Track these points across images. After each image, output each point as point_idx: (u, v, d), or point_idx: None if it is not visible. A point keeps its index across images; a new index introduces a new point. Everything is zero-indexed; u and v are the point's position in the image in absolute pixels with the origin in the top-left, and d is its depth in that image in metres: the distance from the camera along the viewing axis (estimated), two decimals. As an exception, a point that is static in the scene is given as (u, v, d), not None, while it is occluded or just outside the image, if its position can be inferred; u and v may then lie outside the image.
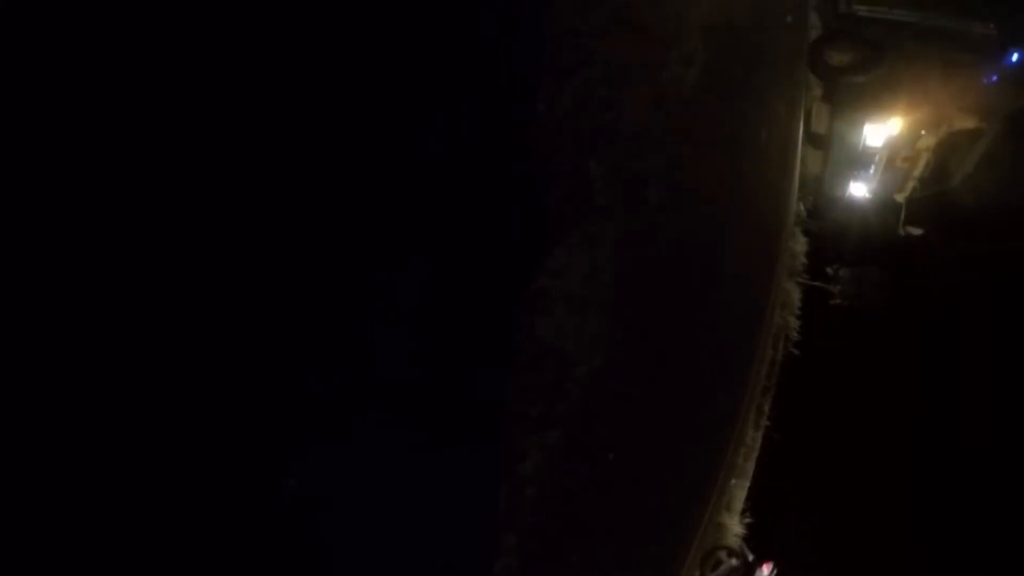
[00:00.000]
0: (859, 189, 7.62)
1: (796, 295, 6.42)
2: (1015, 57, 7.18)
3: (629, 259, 5.95)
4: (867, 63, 7.49)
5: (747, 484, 6.23)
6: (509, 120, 5.52)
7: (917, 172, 7.53)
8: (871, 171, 7.54)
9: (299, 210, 5.52)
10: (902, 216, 7.53)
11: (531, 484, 5.65)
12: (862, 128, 7.52)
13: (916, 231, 7.52)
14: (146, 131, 5.44)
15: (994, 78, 7.10)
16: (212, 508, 5.19)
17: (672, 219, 6.00)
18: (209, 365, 5.29)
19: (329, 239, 5.49)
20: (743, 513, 6.21)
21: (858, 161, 7.53)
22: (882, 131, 7.50)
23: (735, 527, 6.13)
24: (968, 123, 7.24)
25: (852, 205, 7.68)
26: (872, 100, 7.72)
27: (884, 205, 7.61)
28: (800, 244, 6.53)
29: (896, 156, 7.43)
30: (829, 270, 7.44)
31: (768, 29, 6.42)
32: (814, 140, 7.25)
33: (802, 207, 7.22)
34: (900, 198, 7.69)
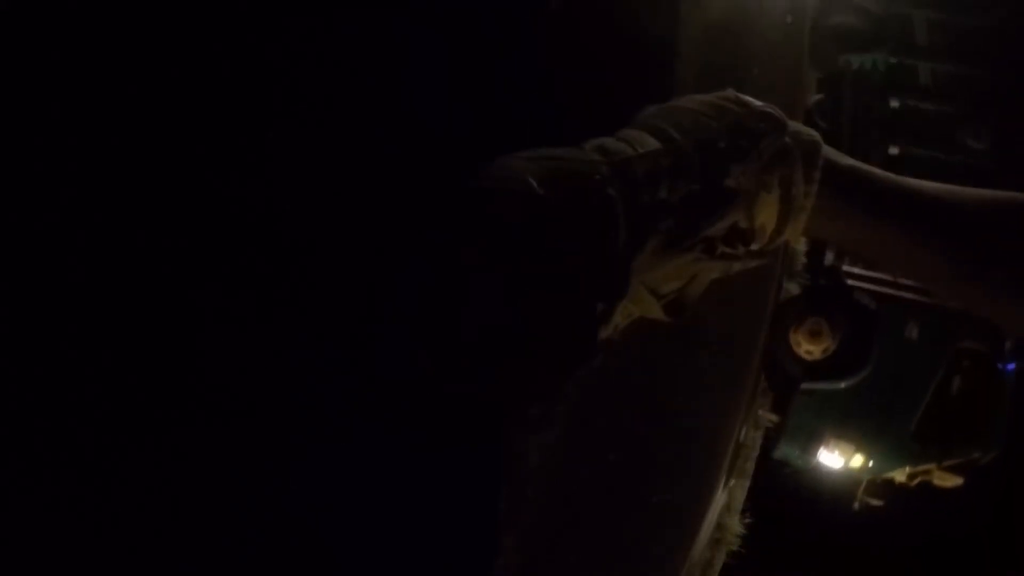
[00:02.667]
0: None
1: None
2: None
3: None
4: (849, 364, 5.75)
5: (747, 484, 6.23)
6: (509, 120, 5.52)
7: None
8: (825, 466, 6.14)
9: (298, 211, 5.52)
10: (862, 487, 6.17)
11: (531, 484, 5.65)
12: (815, 452, 6.05)
13: (876, 502, 6.15)
14: (152, 131, 5.44)
15: (1010, 367, 5.74)
16: (212, 510, 5.19)
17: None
18: (208, 366, 5.29)
19: (327, 240, 5.49)
20: (743, 513, 6.19)
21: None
22: (840, 459, 5.98)
23: (735, 527, 6.13)
24: (970, 451, 5.82)
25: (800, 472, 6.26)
26: (840, 417, 5.87)
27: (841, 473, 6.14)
28: (801, 243, 6.48)
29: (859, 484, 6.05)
30: None
31: (768, 30, 6.41)
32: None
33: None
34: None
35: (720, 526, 5.98)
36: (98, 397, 5.10)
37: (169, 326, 5.38)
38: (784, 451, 6.12)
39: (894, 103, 6.75)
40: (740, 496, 6.16)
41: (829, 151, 1.07)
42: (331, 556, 5.34)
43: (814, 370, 5.70)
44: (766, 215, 1.03)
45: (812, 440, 6.02)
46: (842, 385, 5.73)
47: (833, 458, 5.99)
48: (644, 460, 5.58)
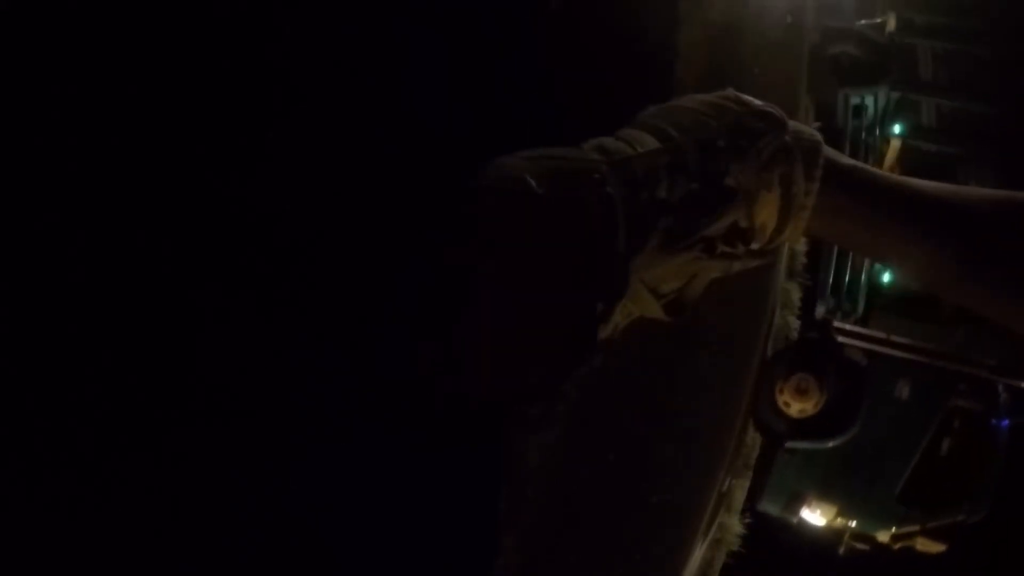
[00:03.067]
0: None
1: (796, 295, 6.40)
2: None
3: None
4: (836, 424, 5.58)
5: (747, 484, 6.22)
6: (509, 120, 5.52)
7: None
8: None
9: (299, 211, 5.52)
10: (847, 533, 6.06)
11: (531, 484, 5.65)
12: (797, 511, 5.97)
13: (862, 547, 6.00)
14: (152, 131, 5.44)
15: (1004, 423, 5.61)
16: (212, 510, 5.20)
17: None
18: (208, 366, 5.28)
19: (328, 240, 5.49)
20: (743, 513, 6.19)
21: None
22: (822, 519, 5.95)
23: (735, 527, 6.13)
24: (956, 513, 5.65)
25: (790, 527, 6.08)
26: (824, 477, 5.74)
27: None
28: (801, 244, 6.46)
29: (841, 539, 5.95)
30: None
31: (768, 30, 6.40)
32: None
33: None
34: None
35: (720, 526, 5.98)
36: (98, 397, 5.10)
37: (169, 326, 5.38)
38: (766, 507, 6.04)
39: (895, 143, 6.57)
40: (740, 496, 6.16)
41: (829, 151, 1.06)
42: (331, 556, 5.34)
43: (799, 428, 5.52)
44: (766, 214, 1.03)
45: (794, 499, 5.87)
46: (828, 445, 5.55)
47: (815, 517, 5.85)
48: (644, 460, 5.58)
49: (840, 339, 5.82)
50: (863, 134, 6.69)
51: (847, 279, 6.19)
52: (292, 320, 5.45)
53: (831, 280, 6.11)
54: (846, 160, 1.04)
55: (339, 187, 5.51)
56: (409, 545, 5.38)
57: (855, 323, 6.06)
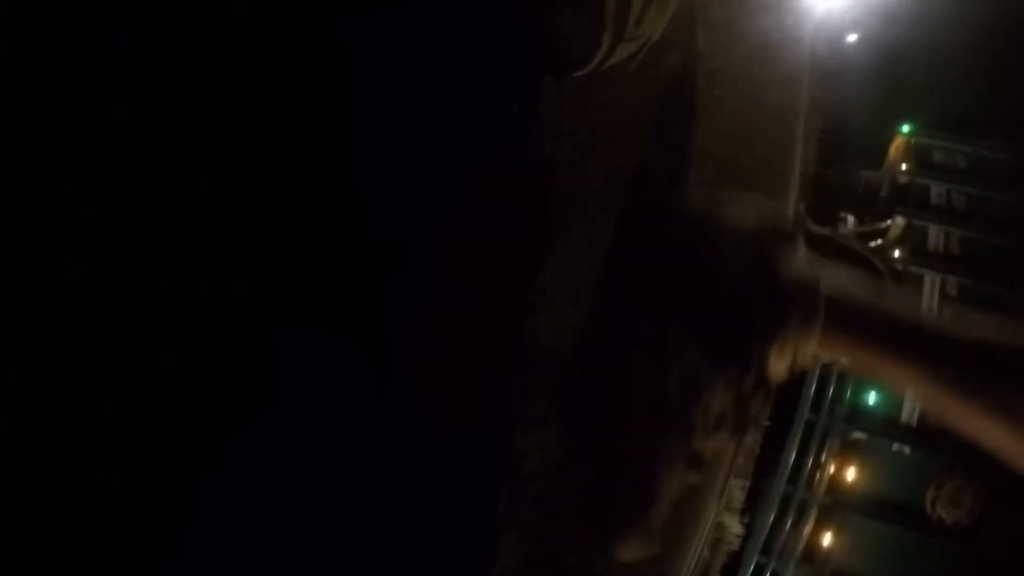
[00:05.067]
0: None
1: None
2: None
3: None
4: None
5: (747, 484, 6.23)
6: (511, 122, 5.52)
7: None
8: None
9: (298, 210, 5.52)
10: None
11: (531, 484, 5.65)
12: None
13: None
14: (152, 131, 5.44)
15: None
16: (211, 509, 5.19)
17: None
18: (208, 366, 5.28)
19: (328, 239, 5.49)
20: (743, 513, 6.21)
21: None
22: None
23: (735, 526, 6.13)
24: None
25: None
26: None
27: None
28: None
29: None
30: None
31: (768, 29, 6.39)
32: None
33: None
34: None
35: (720, 526, 5.99)
36: (94, 396, 5.10)
37: (169, 326, 5.38)
38: None
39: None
40: (740, 496, 6.18)
41: (829, 283, 1.17)
42: (330, 556, 5.34)
43: None
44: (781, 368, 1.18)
45: None
46: None
47: None
48: (643, 461, 5.57)
49: None
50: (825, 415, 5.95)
51: None
52: (291, 319, 5.45)
53: None
54: (844, 294, 1.15)
55: (338, 186, 5.51)
56: (409, 545, 5.38)
57: None
